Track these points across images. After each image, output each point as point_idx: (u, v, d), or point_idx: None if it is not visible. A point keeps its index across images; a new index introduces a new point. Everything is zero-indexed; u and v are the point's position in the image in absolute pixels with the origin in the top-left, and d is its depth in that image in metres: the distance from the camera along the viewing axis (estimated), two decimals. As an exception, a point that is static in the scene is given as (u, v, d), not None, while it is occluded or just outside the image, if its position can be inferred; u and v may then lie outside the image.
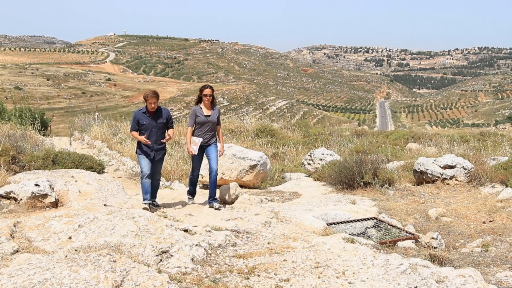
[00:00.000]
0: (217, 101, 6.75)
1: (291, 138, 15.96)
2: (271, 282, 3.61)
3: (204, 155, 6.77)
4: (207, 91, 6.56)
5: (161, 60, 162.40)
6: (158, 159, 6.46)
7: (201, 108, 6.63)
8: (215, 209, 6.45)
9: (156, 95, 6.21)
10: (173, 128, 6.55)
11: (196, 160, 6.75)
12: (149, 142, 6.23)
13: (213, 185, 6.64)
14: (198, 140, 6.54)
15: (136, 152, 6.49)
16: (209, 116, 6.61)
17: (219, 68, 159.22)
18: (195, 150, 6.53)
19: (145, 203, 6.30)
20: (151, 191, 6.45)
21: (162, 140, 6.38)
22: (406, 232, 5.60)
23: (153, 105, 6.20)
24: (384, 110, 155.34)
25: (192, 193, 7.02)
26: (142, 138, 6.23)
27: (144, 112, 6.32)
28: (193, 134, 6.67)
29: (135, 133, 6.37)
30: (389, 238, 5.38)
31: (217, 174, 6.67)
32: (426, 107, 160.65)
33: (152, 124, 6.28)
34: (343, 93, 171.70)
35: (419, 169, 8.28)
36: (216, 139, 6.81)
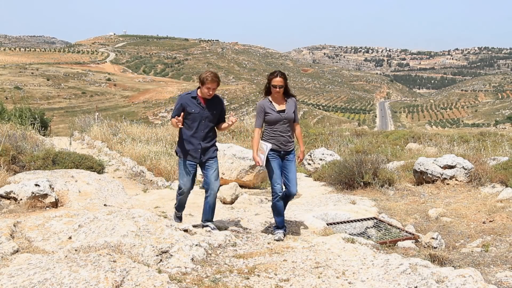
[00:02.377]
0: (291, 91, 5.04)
1: (291, 138, 15.94)
2: (271, 282, 3.61)
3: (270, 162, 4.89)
4: (277, 81, 4.83)
5: (161, 60, 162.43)
6: (209, 162, 4.89)
7: (270, 101, 4.93)
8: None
9: (217, 79, 4.74)
10: (225, 121, 5.04)
11: (274, 169, 4.89)
12: (180, 122, 4.69)
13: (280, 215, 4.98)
14: (266, 147, 4.86)
15: (176, 154, 4.98)
16: (283, 111, 4.89)
17: (219, 68, 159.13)
18: (262, 160, 4.85)
19: (177, 218, 5.23)
20: (205, 210, 5.02)
21: (222, 127, 4.95)
22: (406, 232, 5.60)
23: (211, 92, 4.74)
24: (384, 110, 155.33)
25: (281, 224, 4.96)
26: (174, 120, 4.75)
27: (194, 97, 4.81)
28: (262, 138, 4.95)
29: (174, 120, 4.82)
30: (389, 238, 5.38)
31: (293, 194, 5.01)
32: (426, 107, 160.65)
33: (203, 115, 4.79)
34: (343, 93, 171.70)
35: (419, 169, 8.28)
36: (294, 145, 5.05)
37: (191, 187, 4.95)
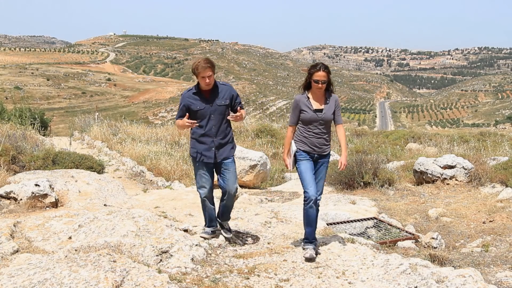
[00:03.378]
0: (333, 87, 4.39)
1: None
2: (271, 282, 3.61)
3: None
4: (320, 76, 4.18)
5: (161, 60, 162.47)
6: (226, 161, 4.40)
7: (308, 97, 4.30)
8: None
9: (210, 64, 4.20)
10: (243, 108, 4.45)
11: (305, 171, 4.31)
12: (195, 124, 4.24)
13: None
14: (292, 150, 4.37)
15: (190, 154, 4.52)
16: (320, 111, 4.27)
17: (219, 68, 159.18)
18: (290, 163, 4.39)
19: (205, 233, 4.63)
20: (221, 212, 4.63)
21: (230, 117, 4.38)
22: (406, 232, 5.60)
23: (207, 80, 4.19)
24: (384, 110, 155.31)
25: (311, 236, 4.32)
26: (185, 121, 4.23)
27: (195, 92, 4.33)
28: (294, 138, 4.39)
29: (179, 121, 4.36)
30: (389, 238, 5.38)
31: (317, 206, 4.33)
32: (426, 107, 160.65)
33: (210, 109, 4.29)
34: (343, 93, 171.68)
35: (419, 169, 8.28)
36: (330, 148, 4.43)
37: (211, 191, 4.44)
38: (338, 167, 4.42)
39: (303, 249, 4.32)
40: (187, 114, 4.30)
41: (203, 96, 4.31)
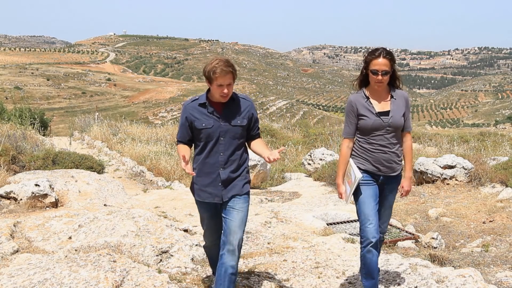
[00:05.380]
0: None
1: (291, 138, 15.96)
2: (271, 282, 3.61)
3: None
4: (379, 64, 3.10)
5: (161, 60, 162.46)
6: (235, 201, 3.12)
7: (367, 97, 3.19)
8: None
9: (232, 69, 3.03)
10: (260, 137, 3.28)
11: (366, 200, 3.17)
12: (192, 173, 3.08)
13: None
14: (354, 176, 3.13)
15: (191, 189, 3.29)
16: (386, 114, 3.15)
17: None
18: (347, 193, 3.23)
19: None
20: (222, 282, 3.18)
21: (268, 157, 3.03)
22: (406, 232, 5.61)
23: (225, 90, 3.02)
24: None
25: None
26: (182, 163, 3.00)
27: (203, 103, 3.12)
28: (352, 155, 3.25)
29: (181, 148, 3.17)
30: (389, 238, 5.38)
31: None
32: (426, 107, 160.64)
33: (220, 129, 3.09)
34: (343, 93, 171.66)
35: (419, 169, 8.28)
36: (402, 166, 3.27)
37: (218, 238, 3.16)
38: (400, 193, 3.31)
39: None
40: (186, 149, 3.15)
41: (212, 110, 3.10)
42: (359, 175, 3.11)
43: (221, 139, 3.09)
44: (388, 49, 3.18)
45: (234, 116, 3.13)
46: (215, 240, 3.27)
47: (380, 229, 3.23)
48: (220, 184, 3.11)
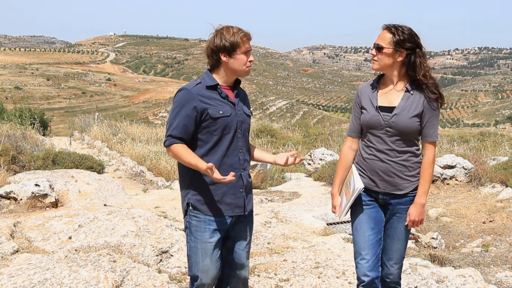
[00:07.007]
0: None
1: (291, 138, 15.96)
2: (271, 282, 3.61)
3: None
4: (378, 37, 2.56)
5: (161, 60, 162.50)
6: (246, 219, 2.49)
7: (375, 87, 2.58)
8: None
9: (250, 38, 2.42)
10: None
11: (361, 226, 2.53)
12: (233, 178, 2.22)
13: None
14: (352, 186, 2.49)
15: (189, 204, 2.39)
16: (389, 110, 2.46)
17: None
18: (341, 207, 2.58)
19: None
20: None
21: (292, 155, 2.45)
22: (406, 232, 5.60)
23: (252, 58, 2.47)
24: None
25: None
26: (217, 175, 2.19)
27: (212, 86, 2.40)
28: (355, 161, 2.59)
29: (180, 148, 2.31)
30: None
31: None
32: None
33: (238, 118, 2.44)
34: (343, 93, 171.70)
35: (419, 169, 8.28)
36: (413, 184, 2.48)
37: (218, 274, 2.42)
38: (405, 222, 2.49)
39: None
40: (192, 152, 2.32)
41: (225, 95, 2.42)
42: (359, 185, 2.43)
43: (238, 131, 2.41)
44: (405, 26, 2.48)
45: (244, 102, 2.54)
46: (215, 276, 2.41)
47: (386, 269, 2.55)
48: (241, 190, 2.40)
